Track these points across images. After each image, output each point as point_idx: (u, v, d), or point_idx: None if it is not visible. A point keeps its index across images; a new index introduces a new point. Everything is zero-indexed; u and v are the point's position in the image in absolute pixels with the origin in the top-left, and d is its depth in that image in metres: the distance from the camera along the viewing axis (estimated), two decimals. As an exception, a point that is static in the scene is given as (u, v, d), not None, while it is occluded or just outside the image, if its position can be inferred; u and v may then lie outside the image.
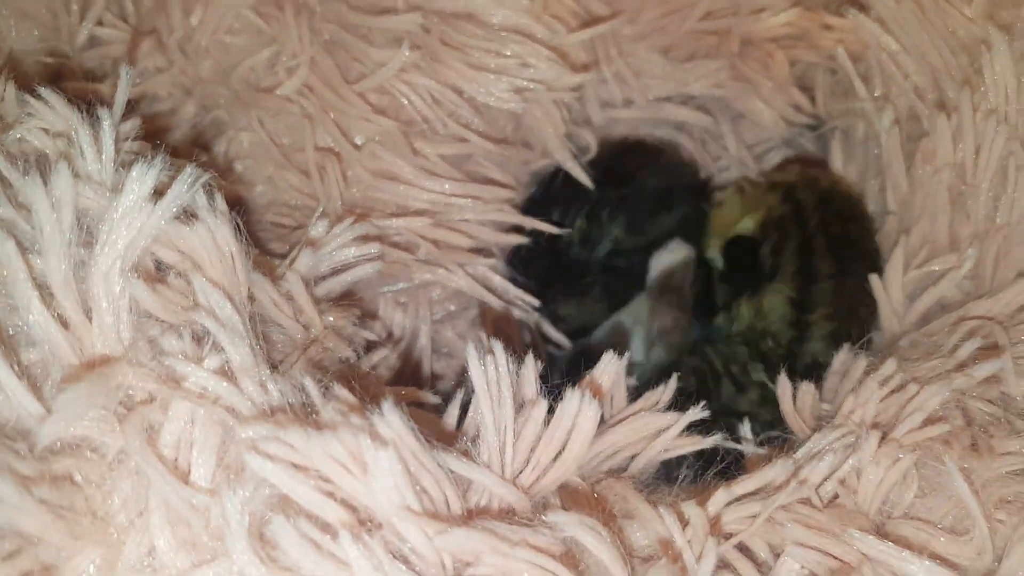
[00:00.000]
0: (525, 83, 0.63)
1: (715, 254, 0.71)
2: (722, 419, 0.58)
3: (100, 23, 0.63)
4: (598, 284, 0.69)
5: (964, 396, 0.46)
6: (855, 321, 0.63)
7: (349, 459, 0.36)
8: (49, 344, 0.38)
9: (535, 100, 0.65)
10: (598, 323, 0.70)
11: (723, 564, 0.43)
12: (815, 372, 0.56)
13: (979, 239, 0.55)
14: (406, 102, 0.61)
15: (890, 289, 0.58)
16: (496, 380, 0.42)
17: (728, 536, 0.44)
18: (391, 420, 0.37)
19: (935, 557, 0.41)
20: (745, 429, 0.53)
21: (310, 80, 0.61)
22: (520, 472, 0.42)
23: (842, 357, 0.53)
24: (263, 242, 0.61)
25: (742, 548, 0.44)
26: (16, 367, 0.37)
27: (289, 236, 0.62)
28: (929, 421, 0.45)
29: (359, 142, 0.61)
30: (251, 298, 0.46)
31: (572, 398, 0.42)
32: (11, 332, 0.39)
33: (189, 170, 0.41)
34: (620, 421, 0.48)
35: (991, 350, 0.49)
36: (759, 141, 0.78)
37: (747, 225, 0.69)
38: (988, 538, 0.42)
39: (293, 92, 0.60)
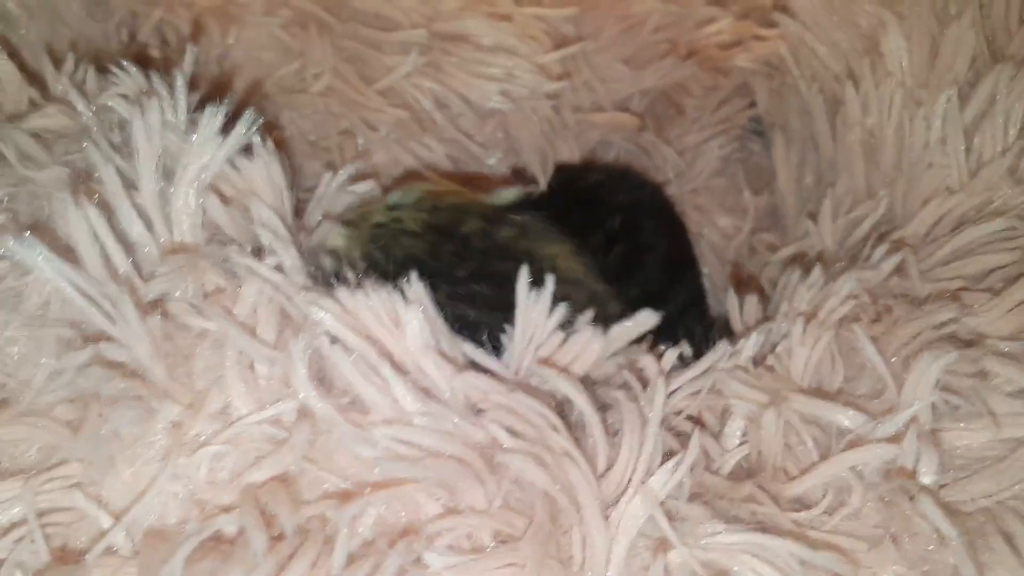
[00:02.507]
0: (513, 88, 0.76)
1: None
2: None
3: (147, 45, 0.73)
4: None
5: (873, 285, 0.55)
6: None
7: (385, 314, 0.46)
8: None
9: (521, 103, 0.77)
10: None
11: (678, 433, 0.50)
12: None
13: (889, 184, 0.66)
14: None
15: (824, 236, 0.69)
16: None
17: (679, 412, 0.52)
18: (416, 288, 0.47)
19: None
20: None
21: (333, 83, 0.72)
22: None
23: (783, 279, 0.63)
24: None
25: (694, 421, 0.52)
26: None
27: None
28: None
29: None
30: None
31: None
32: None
33: (249, 113, 0.51)
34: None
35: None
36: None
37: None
38: (894, 390, 0.49)
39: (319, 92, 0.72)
